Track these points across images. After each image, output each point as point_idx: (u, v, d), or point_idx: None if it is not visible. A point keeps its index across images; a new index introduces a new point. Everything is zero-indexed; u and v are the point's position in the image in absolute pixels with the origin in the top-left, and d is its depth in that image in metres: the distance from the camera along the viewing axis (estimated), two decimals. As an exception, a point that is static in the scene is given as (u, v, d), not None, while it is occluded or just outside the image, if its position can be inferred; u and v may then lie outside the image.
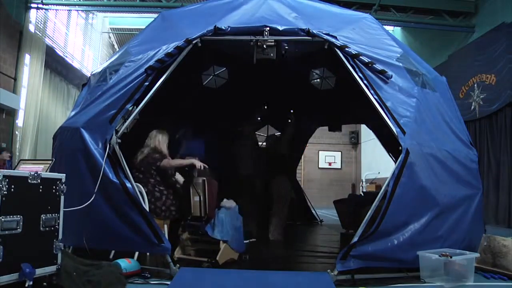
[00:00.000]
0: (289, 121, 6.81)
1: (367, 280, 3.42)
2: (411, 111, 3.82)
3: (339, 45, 3.86)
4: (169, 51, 3.83)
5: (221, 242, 4.03)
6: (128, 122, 3.72)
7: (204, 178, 4.15)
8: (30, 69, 10.10)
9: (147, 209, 3.64)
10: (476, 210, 4.08)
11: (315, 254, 4.85)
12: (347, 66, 3.84)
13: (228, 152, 6.58)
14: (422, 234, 3.58)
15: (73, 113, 4.39)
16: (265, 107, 7.36)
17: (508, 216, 8.29)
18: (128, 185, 3.48)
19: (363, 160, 17.87)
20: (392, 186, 3.48)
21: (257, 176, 6.40)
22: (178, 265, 3.50)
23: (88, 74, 5.60)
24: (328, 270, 3.44)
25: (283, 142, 6.69)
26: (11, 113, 9.53)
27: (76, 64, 13.17)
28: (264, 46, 3.88)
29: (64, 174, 3.04)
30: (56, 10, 11.22)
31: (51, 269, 2.79)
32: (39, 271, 2.68)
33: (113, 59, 4.59)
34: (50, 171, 3.06)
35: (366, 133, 15.69)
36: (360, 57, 3.84)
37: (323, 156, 18.33)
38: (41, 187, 2.80)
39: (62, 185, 2.98)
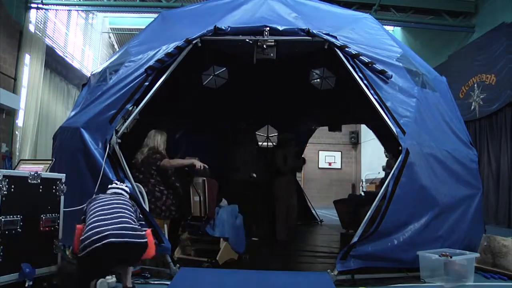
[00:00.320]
0: (291, 141, 6.38)
1: (367, 280, 3.42)
2: (411, 111, 3.83)
3: (339, 45, 3.86)
4: (169, 51, 3.83)
5: (221, 241, 4.03)
6: (128, 122, 3.73)
7: (204, 178, 4.14)
8: (30, 69, 10.08)
9: (147, 209, 3.64)
10: (476, 210, 4.09)
11: (315, 254, 4.86)
12: (347, 66, 3.84)
13: (228, 152, 6.56)
14: (422, 234, 3.58)
15: (73, 113, 4.39)
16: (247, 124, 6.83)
17: (508, 216, 8.27)
18: (128, 185, 3.48)
19: (363, 160, 17.85)
20: (392, 186, 3.49)
21: (259, 176, 6.35)
22: (178, 265, 3.50)
23: (88, 74, 5.60)
24: (328, 270, 3.44)
25: (278, 157, 6.15)
26: (11, 113, 9.50)
27: (76, 64, 13.14)
28: (264, 46, 3.88)
29: (64, 174, 3.05)
30: (56, 10, 11.19)
31: (51, 269, 2.79)
32: (39, 271, 2.69)
33: (113, 59, 4.59)
34: (50, 171, 3.07)
35: (366, 133, 15.67)
36: (360, 57, 3.84)
37: (323, 156, 18.30)
38: (41, 187, 2.80)
39: (62, 185, 2.98)
